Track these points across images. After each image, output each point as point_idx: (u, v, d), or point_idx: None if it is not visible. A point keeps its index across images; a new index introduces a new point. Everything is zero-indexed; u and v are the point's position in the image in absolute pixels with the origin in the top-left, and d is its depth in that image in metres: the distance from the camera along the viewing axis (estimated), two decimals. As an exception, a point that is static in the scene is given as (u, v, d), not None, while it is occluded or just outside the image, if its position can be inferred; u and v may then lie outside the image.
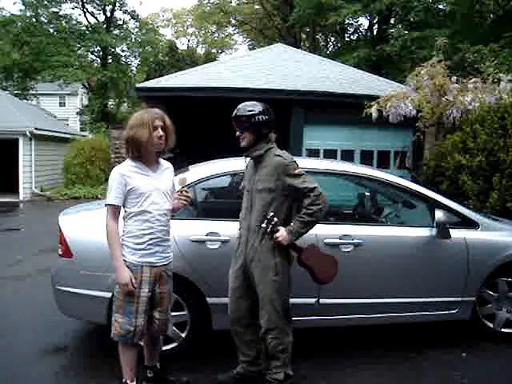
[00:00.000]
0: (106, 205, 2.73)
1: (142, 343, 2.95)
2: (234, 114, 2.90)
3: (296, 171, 2.80)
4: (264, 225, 2.77)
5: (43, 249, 7.14)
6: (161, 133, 2.75)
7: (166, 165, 2.92)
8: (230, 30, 37.55)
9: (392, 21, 23.15)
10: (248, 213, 2.92)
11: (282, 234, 2.76)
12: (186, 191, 2.91)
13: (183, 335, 3.46)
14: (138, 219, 2.72)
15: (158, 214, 2.76)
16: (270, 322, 2.84)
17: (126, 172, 2.71)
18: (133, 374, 2.85)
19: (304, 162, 3.94)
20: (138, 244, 2.73)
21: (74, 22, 27.08)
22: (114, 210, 2.71)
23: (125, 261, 2.71)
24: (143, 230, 2.73)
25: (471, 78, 7.93)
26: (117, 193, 2.69)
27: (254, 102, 2.91)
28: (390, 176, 3.94)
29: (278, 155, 2.84)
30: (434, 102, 7.67)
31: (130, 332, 2.73)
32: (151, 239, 2.75)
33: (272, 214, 2.77)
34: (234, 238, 3.40)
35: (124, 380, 2.84)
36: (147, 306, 2.77)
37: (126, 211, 2.76)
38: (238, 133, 2.90)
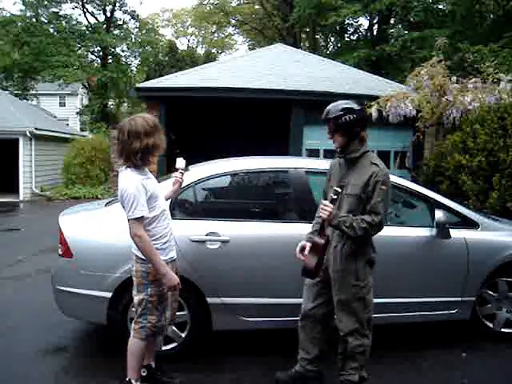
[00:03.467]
0: (134, 219, 2.62)
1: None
2: (323, 115, 2.82)
3: (384, 189, 2.68)
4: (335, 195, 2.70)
5: (43, 249, 7.13)
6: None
7: None
8: (230, 30, 37.58)
9: (392, 21, 23.16)
10: None
11: (332, 210, 2.65)
12: (182, 172, 3.13)
13: (183, 335, 3.45)
14: (160, 219, 2.78)
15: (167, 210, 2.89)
16: (348, 326, 2.82)
17: (142, 181, 2.70)
18: (139, 373, 2.88)
19: (304, 162, 3.96)
20: (164, 243, 2.80)
21: (74, 22, 27.08)
22: (142, 222, 2.67)
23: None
24: (166, 227, 2.82)
25: (471, 78, 7.93)
26: (143, 202, 2.66)
27: (344, 101, 2.80)
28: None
29: (375, 164, 2.74)
30: (433, 102, 7.66)
31: (164, 325, 2.94)
32: (170, 235, 2.86)
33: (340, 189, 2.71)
34: (234, 238, 3.42)
35: (128, 379, 2.84)
36: None
37: (146, 218, 2.72)
38: (328, 135, 2.83)
